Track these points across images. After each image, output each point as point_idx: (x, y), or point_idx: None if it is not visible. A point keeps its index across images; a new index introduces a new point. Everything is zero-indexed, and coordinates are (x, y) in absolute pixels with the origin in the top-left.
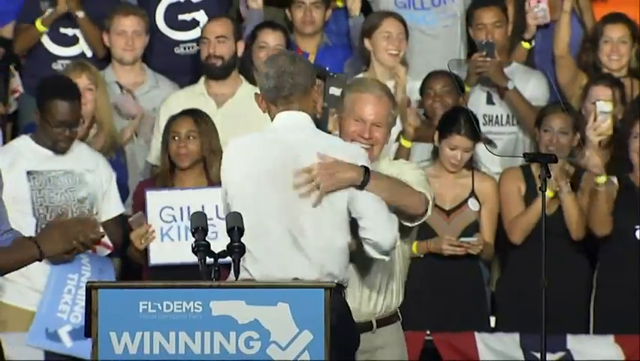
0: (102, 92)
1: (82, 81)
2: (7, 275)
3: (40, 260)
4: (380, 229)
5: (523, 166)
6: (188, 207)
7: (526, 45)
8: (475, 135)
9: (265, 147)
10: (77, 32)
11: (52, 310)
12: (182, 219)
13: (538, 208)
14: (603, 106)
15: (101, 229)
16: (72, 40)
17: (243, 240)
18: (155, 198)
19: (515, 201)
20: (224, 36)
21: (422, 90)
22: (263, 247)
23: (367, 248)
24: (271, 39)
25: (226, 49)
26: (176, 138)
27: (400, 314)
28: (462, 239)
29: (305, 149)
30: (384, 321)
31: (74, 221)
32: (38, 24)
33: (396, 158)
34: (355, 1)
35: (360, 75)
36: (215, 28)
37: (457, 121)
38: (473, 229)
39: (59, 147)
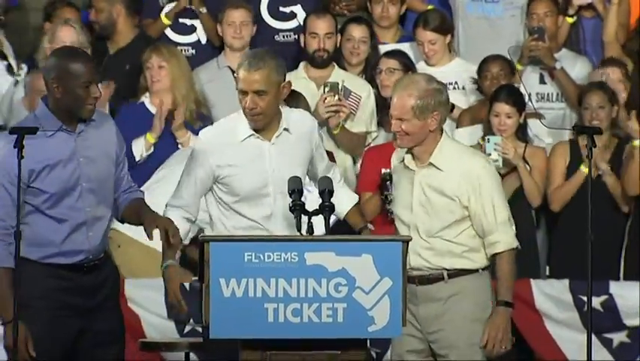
0: (173, 65)
1: (154, 61)
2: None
3: None
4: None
5: (572, 140)
6: None
7: (569, 20)
8: (516, 103)
9: None
10: (194, 22)
11: None
12: None
13: (576, 182)
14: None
15: None
16: (190, 29)
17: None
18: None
19: (559, 173)
20: (331, 32)
21: (479, 73)
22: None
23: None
24: (357, 32)
25: (332, 44)
26: None
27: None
28: None
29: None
30: (456, 273)
31: None
32: (164, 18)
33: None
34: None
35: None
36: (325, 25)
37: (497, 92)
38: (522, 190)
39: None
